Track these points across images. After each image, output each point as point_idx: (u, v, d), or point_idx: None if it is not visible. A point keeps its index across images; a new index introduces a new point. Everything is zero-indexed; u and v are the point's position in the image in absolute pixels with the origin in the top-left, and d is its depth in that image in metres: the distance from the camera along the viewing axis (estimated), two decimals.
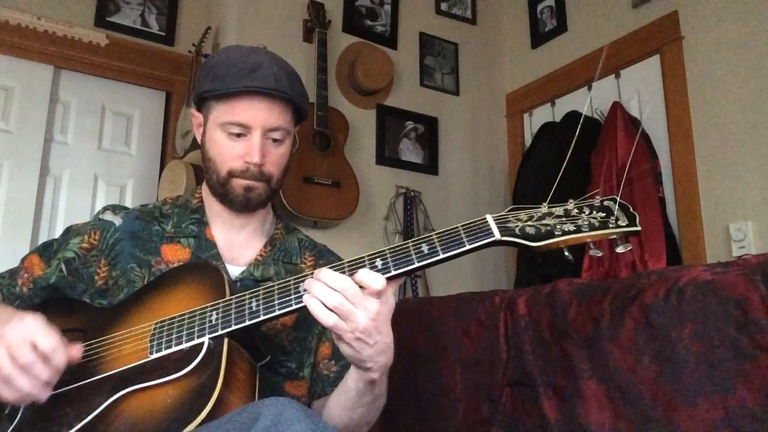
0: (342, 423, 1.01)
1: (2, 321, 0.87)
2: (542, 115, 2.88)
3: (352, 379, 0.95)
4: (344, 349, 0.85)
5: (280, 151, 1.08)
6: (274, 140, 1.06)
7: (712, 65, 2.22)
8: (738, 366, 0.89)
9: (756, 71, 2.09)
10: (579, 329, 1.12)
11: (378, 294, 0.82)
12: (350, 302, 0.81)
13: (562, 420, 1.10)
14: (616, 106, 2.40)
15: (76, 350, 0.89)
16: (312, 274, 0.86)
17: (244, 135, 1.04)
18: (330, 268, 0.85)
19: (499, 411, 1.24)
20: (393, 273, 0.84)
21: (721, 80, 2.18)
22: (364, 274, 0.82)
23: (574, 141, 2.20)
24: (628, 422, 1.00)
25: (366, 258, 0.86)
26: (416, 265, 0.84)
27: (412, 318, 1.56)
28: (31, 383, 0.83)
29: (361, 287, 0.81)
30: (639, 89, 2.48)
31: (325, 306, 0.81)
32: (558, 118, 2.70)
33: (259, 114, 1.02)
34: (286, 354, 1.08)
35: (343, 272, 0.84)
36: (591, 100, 2.62)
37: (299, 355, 1.09)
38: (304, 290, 0.84)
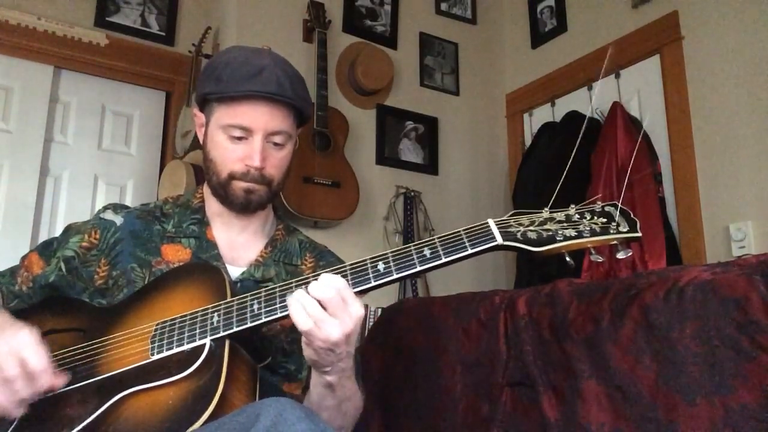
0: None
1: None
2: (542, 115, 2.88)
3: (312, 383, 0.97)
4: (308, 353, 0.87)
5: (282, 155, 1.08)
6: (276, 144, 1.06)
7: (712, 65, 2.22)
8: (738, 366, 0.89)
9: (756, 71, 2.09)
10: (579, 329, 1.12)
11: (346, 302, 0.82)
12: (329, 312, 0.82)
13: (562, 420, 1.11)
14: (616, 106, 2.40)
15: (61, 379, 0.88)
16: (313, 277, 0.87)
17: (245, 138, 1.04)
18: (330, 271, 0.86)
19: (499, 411, 1.24)
20: (395, 276, 0.85)
21: (721, 80, 2.18)
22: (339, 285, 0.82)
23: (578, 143, 2.19)
24: (628, 422, 1.00)
25: (368, 261, 0.86)
26: (418, 268, 0.84)
27: (412, 318, 1.56)
28: (7, 397, 0.83)
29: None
30: (639, 89, 2.48)
31: (306, 311, 0.82)
32: (558, 118, 2.70)
33: (261, 118, 1.02)
34: (286, 355, 1.08)
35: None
36: (592, 100, 2.62)
37: (298, 357, 1.08)
38: (291, 292, 0.85)
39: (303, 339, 0.86)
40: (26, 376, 0.84)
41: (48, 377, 0.86)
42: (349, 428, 1.05)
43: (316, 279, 0.86)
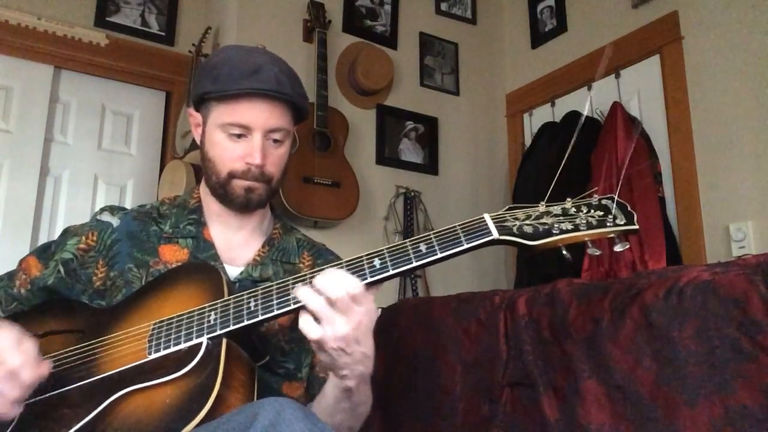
0: None
1: None
2: (542, 115, 2.88)
3: (329, 386, 0.96)
4: (322, 357, 0.86)
5: (281, 152, 1.08)
6: (275, 141, 1.06)
7: (712, 65, 2.22)
8: (738, 366, 0.89)
9: (756, 71, 2.08)
10: (579, 329, 1.11)
11: (356, 299, 0.82)
12: (334, 309, 0.81)
13: (562, 420, 1.10)
14: (616, 106, 2.40)
15: (44, 367, 0.87)
16: (310, 274, 0.87)
17: (244, 136, 1.04)
18: (326, 268, 0.85)
19: (499, 411, 1.23)
20: (391, 272, 0.84)
21: (721, 80, 2.18)
22: (342, 280, 0.82)
23: (572, 141, 2.19)
24: (628, 422, 1.00)
25: (364, 257, 0.86)
26: (414, 264, 0.84)
27: (412, 318, 1.56)
28: None
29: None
30: (639, 89, 2.48)
31: (309, 312, 0.82)
32: (558, 118, 2.70)
33: (260, 115, 1.02)
34: (284, 354, 1.07)
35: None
36: (591, 100, 2.62)
37: (297, 355, 1.08)
38: (293, 298, 0.84)
39: (312, 344, 0.85)
40: (7, 377, 0.83)
41: (29, 370, 0.84)
42: (357, 429, 1.05)
43: (312, 276, 0.86)
